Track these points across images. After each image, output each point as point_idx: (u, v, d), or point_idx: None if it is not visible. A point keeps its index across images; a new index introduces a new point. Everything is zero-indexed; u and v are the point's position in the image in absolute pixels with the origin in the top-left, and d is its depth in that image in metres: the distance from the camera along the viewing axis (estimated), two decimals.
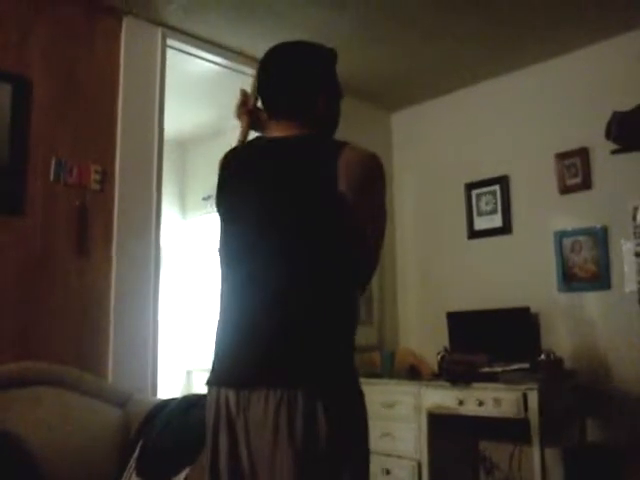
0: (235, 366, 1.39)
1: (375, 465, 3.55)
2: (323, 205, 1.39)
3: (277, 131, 1.53)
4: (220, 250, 1.53)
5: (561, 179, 3.70)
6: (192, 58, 3.58)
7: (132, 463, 2.18)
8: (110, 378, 2.79)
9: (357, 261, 1.46)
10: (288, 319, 1.36)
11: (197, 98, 4.08)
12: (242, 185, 1.50)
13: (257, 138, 1.59)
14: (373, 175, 1.44)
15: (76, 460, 2.18)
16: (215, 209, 1.59)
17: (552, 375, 3.21)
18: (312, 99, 1.52)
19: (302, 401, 1.29)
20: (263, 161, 1.50)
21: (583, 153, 3.62)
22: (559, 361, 3.31)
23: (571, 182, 3.67)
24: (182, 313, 4.70)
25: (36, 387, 2.28)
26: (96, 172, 2.99)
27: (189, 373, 4.59)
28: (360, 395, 1.42)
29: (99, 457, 2.25)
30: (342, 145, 1.43)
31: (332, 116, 1.59)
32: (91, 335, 2.82)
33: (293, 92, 1.52)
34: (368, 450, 1.42)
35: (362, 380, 3.93)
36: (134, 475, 2.14)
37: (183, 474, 1.99)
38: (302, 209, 1.40)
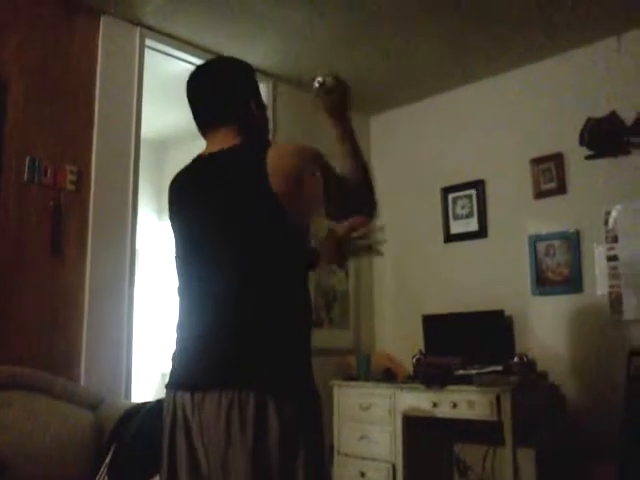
0: (189, 369, 1.43)
1: (350, 468, 3.60)
2: (258, 207, 1.44)
3: (215, 144, 1.57)
4: (175, 266, 1.59)
5: (536, 184, 3.75)
6: (170, 58, 3.56)
7: (104, 468, 2.16)
8: (82, 381, 2.76)
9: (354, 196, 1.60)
10: (237, 322, 1.40)
11: (175, 99, 4.01)
12: (184, 207, 1.57)
13: (197, 156, 1.62)
14: (299, 155, 1.49)
15: (47, 465, 2.15)
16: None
17: (525, 377, 3.25)
18: (243, 101, 1.60)
19: (253, 401, 1.32)
20: (198, 181, 1.55)
21: (558, 158, 3.67)
22: (532, 363, 3.35)
23: (546, 187, 3.72)
24: (157, 315, 4.67)
25: (6, 391, 2.25)
26: (71, 172, 2.96)
27: (164, 375, 4.56)
28: (313, 394, 1.44)
29: (71, 462, 2.23)
30: (267, 146, 1.50)
31: (265, 120, 1.68)
32: (64, 337, 2.79)
33: (223, 98, 1.59)
34: (323, 449, 1.45)
35: (338, 383, 3.96)
36: (106, 479, 2.13)
37: (156, 479, 1.98)
38: (239, 215, 1.45)
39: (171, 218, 1.63)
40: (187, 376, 1.43)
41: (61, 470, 2.18)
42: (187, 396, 1.39)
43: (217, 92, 1.59)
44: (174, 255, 1.59)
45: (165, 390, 1.49)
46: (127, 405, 2.52)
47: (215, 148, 1.55)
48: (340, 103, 1.68)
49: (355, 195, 1.61)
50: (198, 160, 1.60)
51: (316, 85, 1.66)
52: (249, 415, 1.31)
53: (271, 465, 1.31)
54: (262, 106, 1.67)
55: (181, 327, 1.52)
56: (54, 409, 2.31)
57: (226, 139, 1.55)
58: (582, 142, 3.54)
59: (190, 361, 1.44)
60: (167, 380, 1.50)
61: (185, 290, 1.53)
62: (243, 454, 1.31)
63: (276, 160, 1.44)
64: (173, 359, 1.50)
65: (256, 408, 1.31)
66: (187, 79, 1.65)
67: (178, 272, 1.57)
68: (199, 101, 1.61)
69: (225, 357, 1.38)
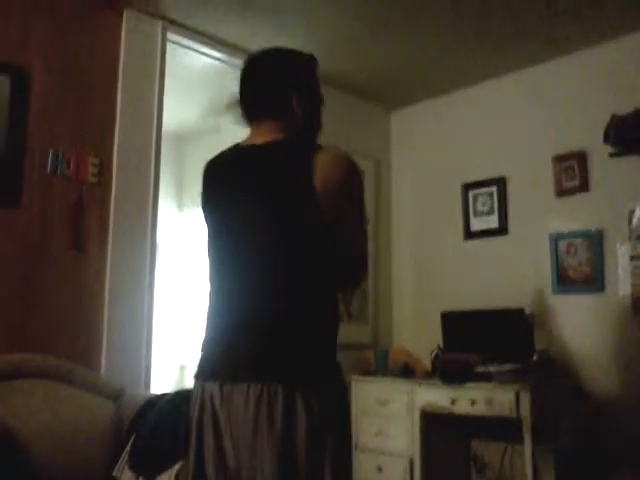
0: (218, 361, 1.43)
1: (368, 462, 3.60)
2: (301, 207, 1.43)
3: (257, 136, 1.56)
4: (207, 253, 1.58)
5: (558, 181, 3.71)
6: (192, 52, 3.58)
7: (124, 456, 2.19)
8: (103, 372, 2.79)
9: (342, 258, 1.50)
10: (270, 315, 1.40)
11: (196, 92, 4.07)
12: (223, 193, 1.54)
13: (235, 145, 1.60)
14: (347, 174, 1.47)
15: (68, 453, 2.18)
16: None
17: (545, 375, 3.23)
18: (286, 97, 1.55)
19: (282, 395, 1.32)
20: (242, 168, 1.53)
21: (581, 156, 3.62)
22: (552, 362, 3.32)
23: (568, 185, 3.68)
24: (177, 307, 4.70)
25: (30, 380, 2.28)
26: (93, 165, 2.98)
27: (182, 368, 4.59)
28: (341, 389, 1.45)
29: (91, 450, 2.25)
30: (316, 148, 1.48)
31: (311, 119, 1.61)
32: (85, 329, 2.82)
33: (268, 90, 1.56)
34: (349, 443, 1.45)
35: (356, 377, 3.97)
36: (126, 468, 2.15)
37: (175, 468, 2.00)
38: (280, 213, 1.44)
39: (206, 203, 1.59)
40: (216, 367, 1.43)
41: (82, 458, 2.21)
42: (216, 387, 1.40)
43: (266, 85, 1.57)
44: (208, 242, 1.57)
45: (194, 380, 1.50)
46: (147, 396, 2.55)
47: (260, 140, 1.53)
48: None
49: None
50: (240, 149, 1.57)
51: None
52: (277, 409, 1.32)
53: (298, 459, 1.32)
54: (315, 102, 1.62)
55: (213, 316, 1.51)
56: (76, 398, 2.33)
57: (269, 133, 1.53)
58: (606, 140, 3.49)
59: (220, 352, 1.44)
60: (196, 369, 1.50)
61: (219, 278, 1.52)
62: (271, 447, 1.31)
63: (325, 166, 1.43)
64: (202, 348, 1.51)
65: (285, 402, 1.32)
66: (244, 63, 1.62)
67: (212, 260, 1.55)
68: (249, 90, 1.59)
69: (256, 350, 1.38)
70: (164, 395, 2.42)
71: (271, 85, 1.57)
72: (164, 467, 2.05)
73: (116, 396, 2.49)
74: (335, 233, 1.47)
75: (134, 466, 2.14)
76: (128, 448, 2.19)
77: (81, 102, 3.00)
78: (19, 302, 2.64)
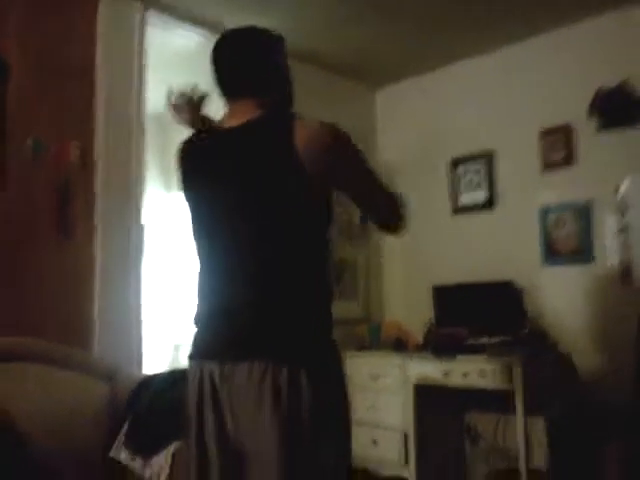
0: (218, 341, 1.43)
1: (363, 435, 3.63)
2: (284, 186, 1.42)
3: (233, 116, 1.55)
4: (193, 233, 1.57)
5: (545, 155, 3.72)
6: (173, 33, 3.52)
7: (121, 437, 2.19)
8: (96, 354, 2.78)
9: (376, 221, 1.64)
10: (265, 295, 1.41)
11: (178, 73, 4.00)
12: (204, 177, 1.54)
13: (213, 128, 1.59)
14: (334, 145, 1.45)
15: (64, 434, 2.17)
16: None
17: (535, 347, 3.26)
18: (259, 74, 1.56)
19: (287, 372, 1.33)
20: (221, 152, 1.52)
21: (567, 130, 3.63)
22: (542, 333, 3.36)
23: (555, 158, 3.69)
24: (168, 287, 4.68)
25: (23, 363, 2.27)
26: (76, 148, 2.94)
27: (177, 347, 4.59)
28: (339, 363, 1.47)
29: (87, 431, 2.25)
30: (292, 122, 1.44)
31: (285, 95, 1.63)
32: (76, 311, 2.81)
33: (241, 68, 1.56)
34: (349, 418, 1.47)
35: (349, 353, 3.98)
36: (123, 449, 2.15)
37: (171, 448, 2.00)
38: (266, 189, 1.43)
39: (186, 189, 1.58)
40: (215, 347, 1.43)
41: (78, 439, 2.21)
42: (215, 366, 1.40)
43: (242, 61, 1.56)
44: (193, 225, 1.56)
45: (189, 360, 1.50)
46: (141, 376, 2.55)
47: (237, 120, 1.52)
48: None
49: (385, 199, 1.62)
50: (217, 132, 1.56)
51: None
52: (283, 385, 1.33)
53: (303, 434, 1.33)
54: (287, 78, 1.64)
55: (205, 298, 1.51)
56: (70, 380, 2.33)
57: (249, 110, 1.52)
58: (591, 114, 3.50)
59: (217, 332, 1.44)
60: (191, 350, 1.50)
61: (208, 261, 1.52)
62: (276, 422, 1.32)
63: (306, 136, 1.41)
64: (197, 329, 1.50)
65: (289, 379, 1.33)
66: (214, 44, 1.61)
67: (199, 243, 1.55)
68: (222, 69, 1.58)
69: (255, 329, 1.39)
70: (158, 375, 2.42)
71: (244, 63, 1.56)
72: (161, 447, 2.05)
73: (110, 377, 2.49)
74: (353, 201, 1.55)
75: (131, 446, 2.14)
76: (124, 429, 2.20)
77: (60, 87, 2.94)
78: (8, 287, 2.62)
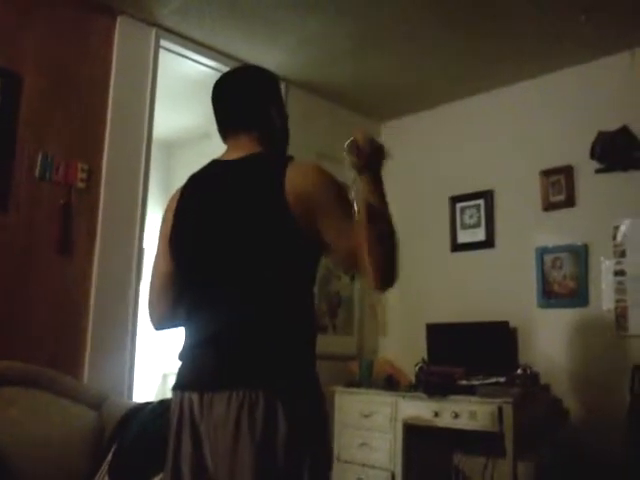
0: (198, 371, 1.44)
1: (350, 474, 3.59)
2: (271, 221, 1.44)
3: (232, 151, 1.59)
4: (176, 262, 1.57)
5: (545, 196, 3.74)
6: (185, 60, 3.58)
7: (105, 466, 2.17)
8: (86, 379, 2.77)
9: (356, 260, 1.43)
10: (247, 326, 1.42)
11: (186, 100, 4.07)
12: (195, 209, 1.56)
13: (211, 162, 1.62)
14: (318, 180, 1.46)
15: (49, 461, 2.16)
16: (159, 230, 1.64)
17: (528, 389, 3.24)
18: (265, 109, 1.62)
19: (263, 401, 1.34)
20: (215, 183, 1.55)
21: (568, 171, 3.66)
22: (535, 376, 3.34)
23: (555, 199, 3.71)
24: None
25: (10, 387, 2.26)
26: (82, 170, 2.97)
27: (165, 376, 4.57)
28: (319, 397, 1.47)
29: (72, 459, 2.24)
30: (287, 161, 1.49)
31: (281, 131, 1.67)
32: (69, 335, 2.80)
33: (247, 103, 1.62)
34: (328, 450, 1.48)
35: (340, 389, 3.94)
36: (106, 478, 2.13)
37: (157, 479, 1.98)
38: (252, 227, 1.45)
39: (178, 218, 1.58)
40: (196, 377, 1.44)
41: (62, 466, 2.19)
42: (195, 396, 1.41)
43: (240, 99, 1.62)
44: (176, 254, 1.56)
45: (172, 391, 1.51)
46: (129, 405, 2.53)
47: (233, 155, 1.56)
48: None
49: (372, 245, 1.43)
50: (214, 165, 1.60)
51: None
52: (258, 415, 1.33)
53: (277, 466, 1.33)
54: (284, 116, 1.68)
55: (189, 329, 1.53)
56: (57, 407, 2.32)
57: (246, 146, 1.56)
58: (593, 155, 3.54)
59: (199, 363, 1.45)
60: (174, 381, 1.51)
61: (191, 293, 1.54)
62: (250, 454, 1.32)
63: (295, 177, 1.44)
64: (181, 361, 1.52)
65: (265, 409, 1.33)
66: (213, 84, 1.66)
67: (183, 276, 1.56)
68: (222, 106, 1.64)
69: (235, 359, 1.40)
70: (147, 404, 2.40)
71: (243, 99, 1.62)
72: (145, 478, 2.03)
73: (98, 404, 2.48)
74: (332, 242, 1.44)
75: (113, 476, 2.12)
76: (109, 458, 2.18)
77: (72, 107, 2.99)
78: (3, 305, 2.62)
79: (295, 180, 1.43)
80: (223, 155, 1.61)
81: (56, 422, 2.25)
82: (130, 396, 2.94)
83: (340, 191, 1.49)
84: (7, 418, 2.13)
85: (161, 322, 1.67)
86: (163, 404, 2.28)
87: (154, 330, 1.72)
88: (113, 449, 2.21)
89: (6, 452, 2.05)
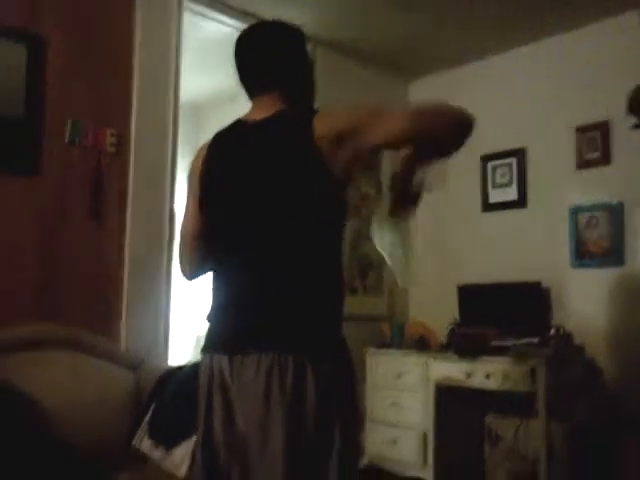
0: (228, 333, 1.45)
1: (382, 434, 3.64)
2: (303, 179, 1.42)
3: (257, 110, 1.56)
4: (208, 224, 1.57)
5: (579, 153, 3.65)
6: (209, 20, 3.53)
7: (144, 426, 2.23)
8: (123, 342, 2.83)
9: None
10: (277, 289, 1.42)
11: (212, 62, 4.02)
12: (221, 171, 1.54)
13: (236, 122, 1.59)
14: (345, 112, 1.44)
15: (89, 422, 2.22)
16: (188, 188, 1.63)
17: (561, 350, 3.22)
18: (289, 66, 1.58)
19: (292, 364, 1.34)
20: (243, 144, 1.53)
21: (604, 127, 3.55)
22: (568, 336, 3.31)
23: (589, 156, 3.62)
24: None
25: (51, 349, 2.32)
26: (112, 135, 2.97)
27: (199, 339, 4.64)
28: (348, 359, 1.46)
29: (112, 419, 2.30)
30: (314, 112, 1.46)
31: (310, 88, 1.64)
32: (105, 299, 2.85)
33: (270, 61, 1.57)
34: (358, 412, 1.50)
35: (371, 350, 3.95)
36: (146, 437, 2.19)
37: (193, 439, 2.03)
38: (282, 184, 1.43)
39: (206, 179, 1.58)
40: (226, 339, 1.45)
41: (102, 426, 2.25)
42: (225, 359, 1.42)
43: (264, 56, 1.57)
44: (207, 216, 1.57)
45: (201, 353, 1.52)
46: (165, 367, 2.59)
47: (259, 115, 1.53)
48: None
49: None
50: (240, 125, 1.57)
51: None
52: (288, 379, 1.34)
53: (307, 427, 1.34)
54: (310, 73, 1.64)
55: (218, 290, 1.53)
56: (97, 369, 2.38)
57: (271, 105, 1.53)
58: (630, 110, 3.42)
59: (228, 325, 1.46)
60: (204, 343, 1.52)
61: (220, 254, 1.54)
62: (281, 417, 1.33)
63: (324, 125, 1.41)
64: (209, 322, 1.52)
65: (295, 372, 1.34)
66: (235, 41, 1.61)
67: (214, 237, 1.56)
68: (246, 64, 1.59)
69: (264, 321, 1.41)
70: (184, 366, 2.45)
71: (266, 57, 1.57)
72: (183, 437, 2.08)
73: (136, 367, 2.53)
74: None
75: (153, 435, 2.18)
76: (147, 418, 2.23)
77: (98, 72, 2.97)
78: (40, 271, 2.67)
79: (324, 126, 1.40)
80: (247, 114, 1.58)
81: (96, 383, 2.31)
82: (165, 359, 3.00)
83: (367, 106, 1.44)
84: (49, 380, 2.19)
85: (192, 276, 1.69)
86: (198, 366, 2.32)
87: (186, 281, 1.73)
88: (152, 409, 2.26)
89: (49, 413, 2.11)
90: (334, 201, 1.47)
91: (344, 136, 1.39)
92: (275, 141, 1.47)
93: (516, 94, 3.98)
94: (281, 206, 1.44)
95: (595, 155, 3.59)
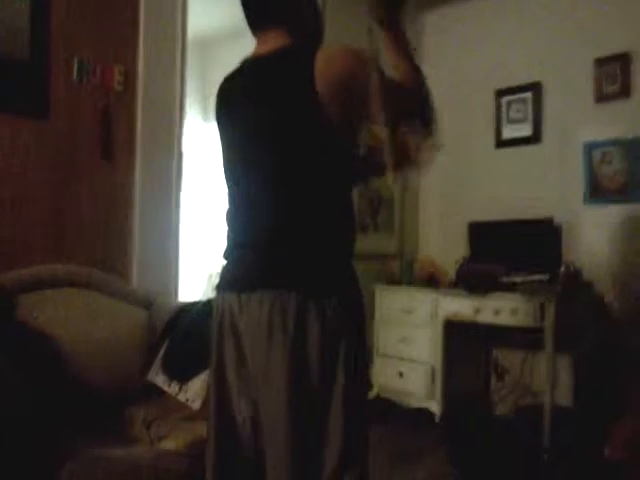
0: (237, 271, 1.49)
1: (390, 368, 3.72)
2: (302, 113, 1.41)
3: (261, 46, 1.54)
4: (223, 165, 1.60)
5: (598, 86, 3.55)
6: None
7: (158, 362, 2.29)
8: (134, 281, 2.87)
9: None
10: (280, 226, 1.43)
11: None
12: (231, 108, 1.55)
13: (242, 62, 1.58)
14: (346, 68, 1.41)
15: (106, 358, 2.28)
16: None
17: (570, 287, 3.24)
18: (294, 1, 1.54)
19: (294, 302, 1.36)
20: (246, 81, 1.52)
21: (624, 58, 3.44)
22: (577, 273, 3.32)
23: (608, 90, 3.52)
24: (203, 217, 4.76)
25: (66, 288, 2.35)
26: (119, 73, 2.93)
27: (210, 277, 4.71)
28: (355, 296, 1.47)
29: (127, 355, 2.36)
30: (315, 51, 1.43)
31: (317, 23, 1.60)
32: (116, 239, 2.88)
33: None
34: (364, 351, 1.48)
35: (381, 287, 3.99)
36: (160, 373, 2.26)
37: (207, 373, 2.08)
38: (283, 121, 1.43)
39: (218, 122, 1.62)
40: (235, 278, 1.48)
41: (118, 362, 2.31)
42: (234, 297, 1.45)
43: None
44: (222, 158, 1.60)
45: (215, 290, 1.56)
46: (179, 303, 2.63)
47: (263, 50, 1.52)
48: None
49: (410, 104, 1.54)
50: (245, 63, 1.56)
51: None
52: (290, 316, 1.36)
53: (310, 367, 1.36)
54: (316, 7, 1.60)
55: (232, 230, 1.56)
56: (110, 306, 2.42)
57: (275, 40, 1.51)
58: None
59: (238, 263, 1.50)
60: (217, 280, 1.56)
61: (232, 194, 1.56)
62: (283, 354, 1.36)
63: (324, 64, 1.39)
64: (225, 260, 1.56)
65: (297, 309, 1.36)
66: None
67: (226, 176, 1.59)
68: (248, 1, 1.56)
69: (269, 259, 1.43)
70: (195, 303, 2.49)
71: None
72: (196, 371, 2.14)
73: (148, 304, 2.58)
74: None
75: (167, 370, 2.25)
76: (161, 353, 2.30)
77: (103, 8, 2.90)
78: (53, 212, 2.69)
79: (325, 69, 1.39)
80: (253, 51, 1.56)
81: (110, 320, 2.36)
82: (177, 296, 3.05)
83: (373, 67, 1.43)
84: (63, 317, 2.24)
85: None
86: (210, 303, 2.36)
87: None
88: (165, 345, 2.32)
89: (64, 350, 2.18)
90: (337, 138, 1.45)
91: (340, 94, 1.39)
92: (274, 79, 1.46)
93: (532, 26, 3.84)
94: (282, 148, 1.44)
95: (614, 88, 3.49)
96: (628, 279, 3.40)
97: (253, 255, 1.45)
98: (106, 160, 2.87)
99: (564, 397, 3.24)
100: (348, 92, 1.40)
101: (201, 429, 1.66)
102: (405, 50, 1.52)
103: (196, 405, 2.13)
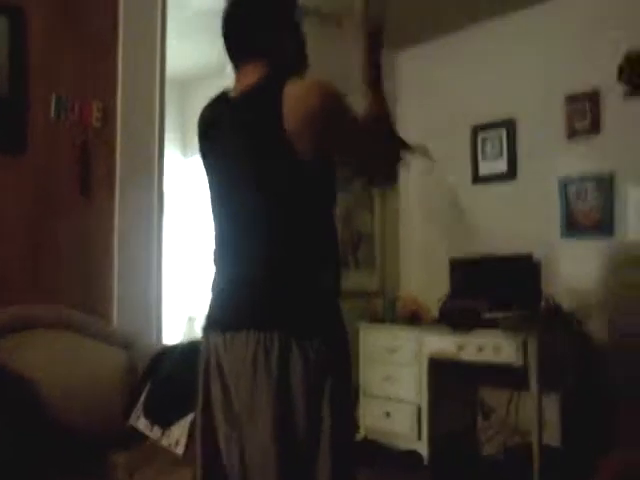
0: (221, 311, 1.48)
1: (376, 408, 3.66)
2: (271, 149, 1.41)
3: (239, 81, 1.53)
4: (210, 202, 1.60)
5: (569, 122, 3.63)
6: None
7: (140, 406, 2.22)
8: (115, 322, 2.80)
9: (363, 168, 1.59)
10: (266, 267, 1.43)
11: (198, 35, 3.94)
12: (208, 145, 1.57)
13: (221, 93, 1.58)
14: (316, 105, 1.40)
15: (85, 401, 2.21)
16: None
17: (551, 322, 3.24)
18: (274, 33, 1.53)
19: (277, 342, 1.35)
20: (223, 122, 1.52)
21: (594, 96, 3.53)
22: (558, 307, 3.33)
23: (579, 126, 3.60)
24: (184, 257, 4.69)
25: (43, 330, 2.30)
26: (98, 109, 2.90)
27: (191, 319, 4.62)
28: (339, 334, 1.46)
29: (107, 398, 2.28)
30: (285, 83, 1.42)
31: (299, 55, 1.60)
32: (96, 278, 2.81)
33: (253, 28, 1.52)
34: (348, 390, 1.48)
35: (365, 325, 3.96)
36: (142, 417, 2.18)
37: (189, 418, 2.03)
38: (254, 157, 1.44)
39: (201, 156, 1.61)
40: (220, 317, 1.48)
41: (98, 406, 2.23)
42: (219, 336, 1.44)
43: (246, 24, 1.53)
44: (209, 194, 1.59)
45: (201, 330, 1.55)
46: (159, 346, 2.57)
47: (242, 84, 1.51)
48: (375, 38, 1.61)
49: (375, 148, 1.54)
50: (221, 97, 1.57)
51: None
52: (273, 356, 1.34)
53: (295, 407, 1.34)
54: (299, 39, 1.60)
55: (217, 267, 1.55)
56: (90, 348, 2.36)
57: (253, 73, 1.49)
58: (620, 77, 3.39)
59: (222, 303, 1.49)
60: (203, 323, 1.54)
61: (217, 232, 1.55)
62: (268, 396, 1.34)
63: (293, 102, 1.38)
64: (209, 304, 1.54)
65: (280, 350, 1.34)
66: (223, 12, 1.57)
67: (213, 212, 1.58)
68: (229, 34, 1.55)
69: (253, 299, 1.42)
70: (177, 345, 2.44)
71: (253, 23, 1.52)
72: (179, 416, 2.08)
73: (129, 345, 2.51)
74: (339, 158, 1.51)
75: (149, 415, 2.17)
76: (143, 397, 2.22)
77: (81, 43, 2.88)
78: (29, 250, 2.62)
79: (294, 108, 1.38)
80: (234, 84, 1.55)
81: (90, 363, 2.29)
82: (159, 338, 2.98)
83: (341, 106, 1.45)
84: (42, 359, 2.16)
85: None
86: (192, 344, 2.30)
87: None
88: (147, 389, 2.25)
89: (43, 394, 2.10)
90: (313, 178, 1.45)
91: (308, 131, 1.40)
92: (245, 120, 1.46)
93: (505, 63, 3.94)
94: (255, 186, 1.44)
95: (585, 124, 3.57)
96: (606, 312, 3.42)
97: (237, 294, 1.45)
98: (85, 196, 2.82)
99: (552, 436, 3.20)
100: (317, 128, 1.40)
101: (185, 475, 1.60)
102: (379, 91, 1.56)
103: (179, 450, 2.07)
